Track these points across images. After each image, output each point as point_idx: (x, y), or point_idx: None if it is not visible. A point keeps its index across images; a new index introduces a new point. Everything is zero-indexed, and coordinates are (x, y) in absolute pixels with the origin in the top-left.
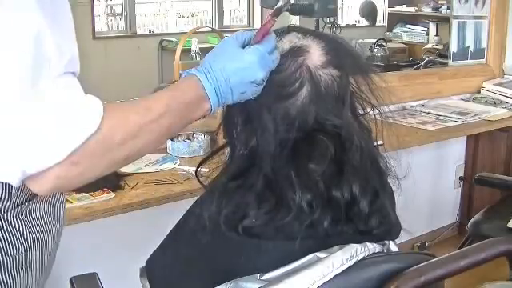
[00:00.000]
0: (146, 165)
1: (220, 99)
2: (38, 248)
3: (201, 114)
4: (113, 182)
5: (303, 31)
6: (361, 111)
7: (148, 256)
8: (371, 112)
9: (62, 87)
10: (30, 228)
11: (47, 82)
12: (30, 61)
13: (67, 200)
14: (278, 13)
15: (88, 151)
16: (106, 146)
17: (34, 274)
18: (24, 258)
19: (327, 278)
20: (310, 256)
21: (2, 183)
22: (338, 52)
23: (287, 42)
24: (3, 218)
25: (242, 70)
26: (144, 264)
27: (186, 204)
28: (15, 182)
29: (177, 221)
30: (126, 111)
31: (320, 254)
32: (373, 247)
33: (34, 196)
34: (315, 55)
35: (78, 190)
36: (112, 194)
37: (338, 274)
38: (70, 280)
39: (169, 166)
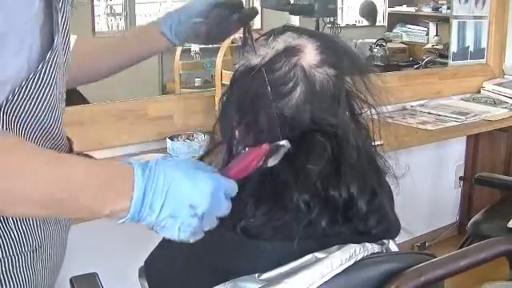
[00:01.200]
0: None
1: (144, 206)
2: (52, 244)
3: (111, 211)
4: None
5: (298, 31)
6: (358, 110)
7: (147, 256)
8: (369, 112)
9: None
10: (44, 223)
11: None
12: None
13: None
14: (270, 154)
15: None
16: None
17: (48, 271)
18: (38, 254)
19: (326, 279)
20: (309, 256)
21: None
22: (334, 51)
23: (282, 42)
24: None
25: (187, 188)
26: (143, 264)
27: None
28: None
29: None
30: (18, 146)
31: (318, 255)
32: (371, 247)
33: None
34: (310, 54)
35: None
36: None
37: (337, 274)
38: (70, 280)
39: None
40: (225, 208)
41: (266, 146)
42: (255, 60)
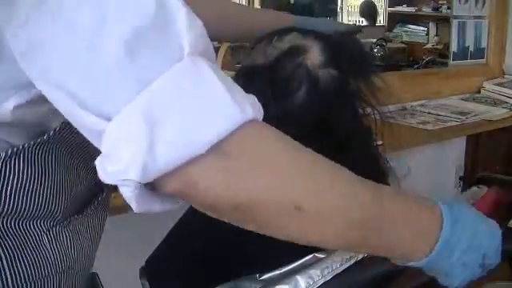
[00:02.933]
0: None
1: (446, 251)
2: (83, 261)
3: (406, 251)
4: None
5: (303, 31)
6: (361, 111)
7: (148, 256)
8: (371, 112)
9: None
10: (77, 241)
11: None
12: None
13: None
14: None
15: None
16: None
17: (78, 285)
18: (70, 273)
19: (326, 278)
20: (309, 256)
21: (53, 196)
22: (338, 52)
23: (286, 42)
24: (52, 233)
25: (487, 239)
26: (143, 264)
27: (185, 204)
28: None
29: (176, 221)
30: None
31: (319, 255)
32: None
33: (84, 208)
34: (314, 55)
35: None
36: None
37: (338, 274)
38: None
39: None
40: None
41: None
42: (260, 60)
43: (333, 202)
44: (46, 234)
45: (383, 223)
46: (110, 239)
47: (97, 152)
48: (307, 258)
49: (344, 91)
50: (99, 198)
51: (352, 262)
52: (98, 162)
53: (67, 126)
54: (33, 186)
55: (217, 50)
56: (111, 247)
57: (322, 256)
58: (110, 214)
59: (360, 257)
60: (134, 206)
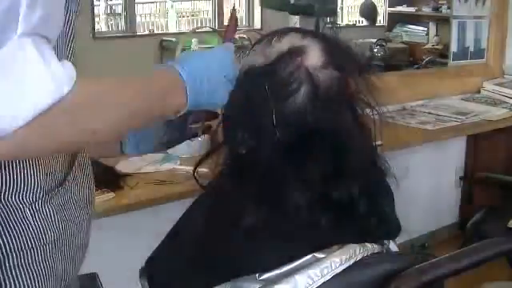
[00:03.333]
0: (146, 165)
1: (195, 89)
2: (70, 234)
3: (175, 104)
4: (113, 182)
5: (303, 32)
6: (360, 111)
7: (148, 256)
8: (370, 112)
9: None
10: (61, 214)
11: (10, 36)
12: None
13: None
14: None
15: (57, 111)
16: (70, 115)
17: (68, 261)
18: (57, 246)
19: (326, 279)
20: (309, 256)
21: (28, 172)
22: (338, 53)
23: (286, 43)
24: (35, 207)
25: (216, 62)
26: (143, 264)
27: (186, 204)
28: None
29: (176, 221)
30: (100, 80)
31: (318, 255)
32: (372, 247)
33: (62, 182)
34: (314, 56)
35: None
36: (112, 194)
37: (337, 274)
38: None
39: (169, 165)
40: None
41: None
42: (259, 60)
43: (114, 122)
44: (29, 208)
45: (146, 103)
46: (110, 239)
47: None
48: (306, 257)
49: (343, 92)
50: (73, 167)
51: (351, 262)
52: None
53: None
54: (7, 162)
55: None
56: (111, 247)
57: (321, 256)
58: (109, 214)
59: (359, 257)
60: None
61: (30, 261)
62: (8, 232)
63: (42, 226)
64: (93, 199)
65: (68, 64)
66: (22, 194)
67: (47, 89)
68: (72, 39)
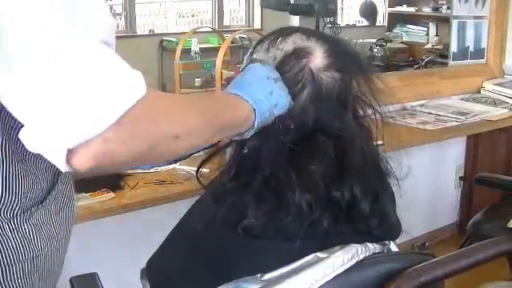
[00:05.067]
0: None
1: (256, 102)
2: (49, 252)
3: (246, 116)
4: (113, 182)
5: (307, 32)
6: (361, 112)
7: (148, 256)
8: (372, 113)
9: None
10: (40, 232)
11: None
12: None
13: None
14: None
15: (134, 117)
16: (152, 115)
17: (44, 279)
18: (35, 263)
19: (328, 278)
20: (311, 256)
21: (9, 187)
22: (340, 55)
23: (291, 43)
24: (14, 223)
25: (263, 79)
26: (144, 265)
27: (186, 204)
28: (62, 165)
29: (177, 221)
30: (169, 94)
31: (320, 254)
32: (373, 247)
33: (42, 200)
34: (318, 57)
35: (78, 190)
36: (112, 194)
37: (339, 274)
38: (70, 280)
39: (169, 165)
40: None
41: None
42: (264, 60)
43: (194, 125)
44: (8, 224)
45: (221, 113)
46: (110, 239)
47: None
48: (309, 257)
49: (346, 93)
50: (56, 186)
51: (353, 261)
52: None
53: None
54: None
55: (217, 49)
56: (111, 247)
57: (323, 256)
58: (109, 214)
59: (361, 256)
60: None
61: (8, 277)
62: None
63: (21, 243)
64: (72, 222)
65: (137, 70)
66: (1, 210)
67: (130, 89)
68: None
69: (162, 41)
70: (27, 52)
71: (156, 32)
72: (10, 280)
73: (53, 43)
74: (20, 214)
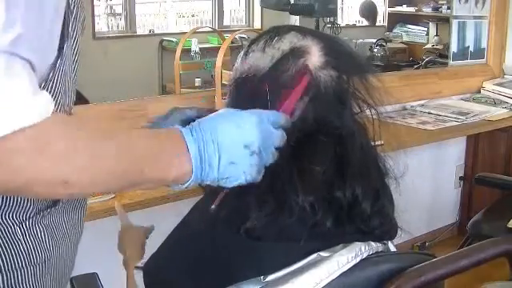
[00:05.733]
0: None
1: (203, 162)
2: (61, 254)
3: (175, 175)
4: None
5: (303, 31)
6: (359, 111)
7: (148, 256)
8: (370, 112)
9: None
10: (52, 234)
11: None
12: None
13: None
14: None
15: (14, 146)
16: (37, 147)
17: (56, 282)
18: (47, 266)
19: (333, 277)
20: (314, 255)
21: None
22: (337, 53)
23: (287, 43)
24: (25, 226)
25: (234, 129)
26: (144, 265)
27: (185, 204)
28: None
29: (177, 221)
30: (78, 124)
31: (323, 253)
32: (376, 246)
33: (56, 202)
34: (315, 56)
35: None
36: (112, 194)
37: (343, 272)
38: (70, 280)
39: None
40: (278, 137)
41: (306, 77)
42: (260, 60)
43: (95, 174)
44: (19, 227)
45: (137, 165)
46: (110, 239)
47: None
48: (312, 257)
49: (343, 91)
50: None
51: (357, 260)
52: None
53: None
54: None
55: (217, 49)
56: (111, 247)
57: (326, 255)
58: (109, 214)
59: (365, 255)
60: None
61: (20, 280)
62: None
63: (33, 246)
64: (83, 222)
65: (44, 94)
66: (13, 212)
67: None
68: (77, 36)
69: (162, 41)
70: None
71: (156, 32)
72: (22, 284)
73: None
74: (32, 216)
